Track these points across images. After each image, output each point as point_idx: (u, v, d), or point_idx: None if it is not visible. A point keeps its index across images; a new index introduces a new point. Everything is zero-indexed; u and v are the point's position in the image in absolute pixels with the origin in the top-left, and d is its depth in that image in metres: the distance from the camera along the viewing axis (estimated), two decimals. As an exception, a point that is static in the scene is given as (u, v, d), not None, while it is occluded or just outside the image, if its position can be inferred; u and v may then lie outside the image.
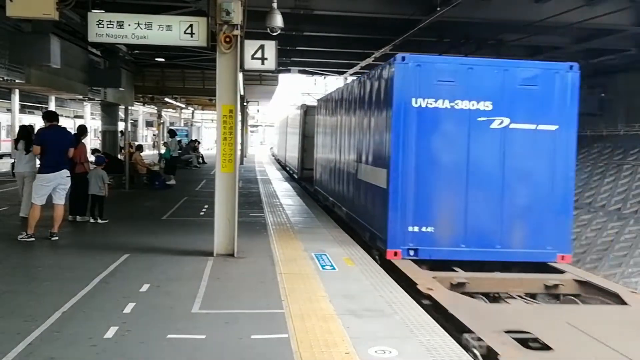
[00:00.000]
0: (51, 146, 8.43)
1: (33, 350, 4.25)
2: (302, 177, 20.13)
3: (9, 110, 31.32)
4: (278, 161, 35.19)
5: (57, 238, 8.43)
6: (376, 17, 14.01)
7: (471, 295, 6.95)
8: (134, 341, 4.50)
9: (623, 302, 6.63)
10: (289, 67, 22.36)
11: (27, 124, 12.91)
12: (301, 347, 4.42)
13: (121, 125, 20.43)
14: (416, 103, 7.74)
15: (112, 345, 4.40)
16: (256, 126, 74.41)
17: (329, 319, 5.14)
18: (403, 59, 7.81)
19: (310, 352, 4.34)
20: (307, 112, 19.76)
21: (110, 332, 4.63)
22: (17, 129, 29.40)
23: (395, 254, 7.77)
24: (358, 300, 5.73)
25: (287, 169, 26.71)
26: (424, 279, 6.92)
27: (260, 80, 25.38)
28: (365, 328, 4.93)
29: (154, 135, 50.87)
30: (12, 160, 10.60)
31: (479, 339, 5.11)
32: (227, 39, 7.49)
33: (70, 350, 4.28)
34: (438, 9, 11.85)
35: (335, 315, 5.25)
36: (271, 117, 67.32)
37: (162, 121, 40.36)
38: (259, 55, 8.49)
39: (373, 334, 4.77)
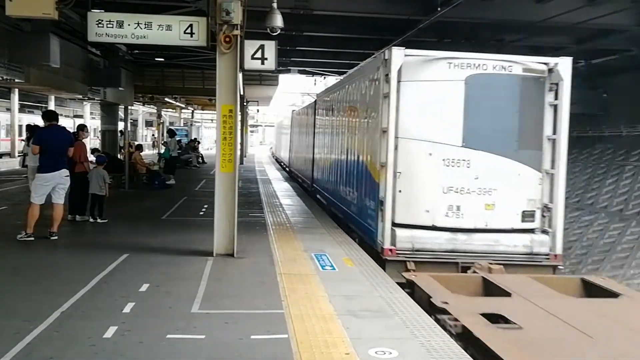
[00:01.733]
0: (50, 146, 8.41)
1: (32, 350, 4.23)
2: (405, 253, 7.81)
3: (8, 109, 31.34)
4: (293, 177, 22.65)
5: (56, 237, 8.41)
6: (376, 17, 13.99)
7: None
8: (133, 341, 4.48)
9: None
10: (289, 67, 22.34)
11: (32, 123, 14.67)
12: (301, 348, 4.40)
13: (121, 125, 20.43)
14: None
15: (111, 345, 4.38)
16: (256, 126, 74.45)
17: (328, 319, 5.12)
18: None
19: (310, 352, 4.31)
20: (402, 72, 7.99)
21: (110, 332, 4.61)
22: (16, 129, 29.70)
23: None
24: (358, 301, 5.71)
25: (325, 203, 13.68)
26: None
27: (260, 81, 25.38)
28: (365, 329, 4.91)
29: (153, 135, 50.90)
30: (23, 153, 12.23)
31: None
32: (227, 39, 7.47)
33: (69, 350, 4.26)
34: (439, 9, 11.83)
35: (335, 315, 5.22)
36: (271, 117, 67.35)
37: (161, 121, 40.38)
38: (259, 55, 8.47)
39: (373, 335, 4.74)
